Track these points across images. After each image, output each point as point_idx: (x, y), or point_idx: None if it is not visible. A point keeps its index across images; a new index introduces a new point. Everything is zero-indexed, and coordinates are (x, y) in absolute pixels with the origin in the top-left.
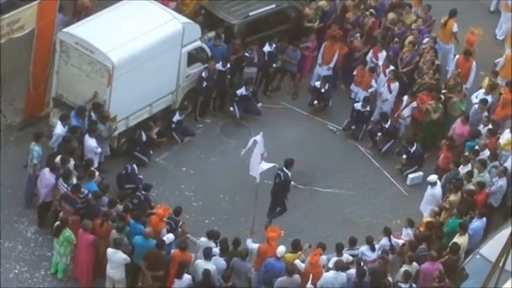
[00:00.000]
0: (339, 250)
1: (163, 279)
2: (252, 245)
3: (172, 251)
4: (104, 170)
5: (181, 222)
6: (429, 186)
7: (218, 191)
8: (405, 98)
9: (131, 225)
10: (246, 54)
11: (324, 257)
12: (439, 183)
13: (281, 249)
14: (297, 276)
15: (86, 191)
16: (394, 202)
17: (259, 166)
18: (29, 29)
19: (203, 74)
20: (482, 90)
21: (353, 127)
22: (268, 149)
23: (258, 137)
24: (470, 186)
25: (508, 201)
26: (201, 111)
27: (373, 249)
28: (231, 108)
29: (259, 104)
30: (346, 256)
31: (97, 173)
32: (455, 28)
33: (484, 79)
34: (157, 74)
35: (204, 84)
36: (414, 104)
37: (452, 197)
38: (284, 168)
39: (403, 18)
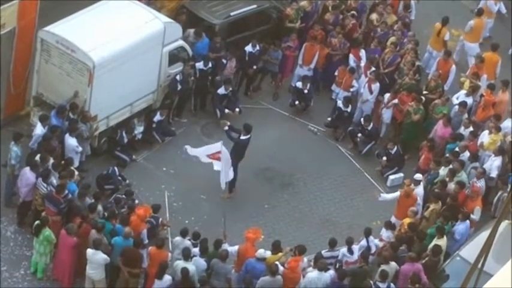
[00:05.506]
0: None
1: (139, 277)
2: (231, 248)
3: (149, 248)
4: (85, 169)
5: (161, 219)
6: (412, 184)
7: (198, 191)
8: (386, 95)
9: (118, 229)
10: (223, 60)
11: (304, 260)
12: (421, 185)
13: (260, 250)
14: (279, 277)
15: (67, 191)
16: (374, 203)
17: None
18: (9, 28)
19: (177, 77)
20: (463, 92)
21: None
22: (249, 149)
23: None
24: (452, 186)
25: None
26: (177, 112)
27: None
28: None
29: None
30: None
31: (76, 173)
32: (447, 36)
33: (465, 81)
34: (139, 73)
35: (179, 87)
36: (395, 100)
37: (432, 206)
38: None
39: (385, 19)
